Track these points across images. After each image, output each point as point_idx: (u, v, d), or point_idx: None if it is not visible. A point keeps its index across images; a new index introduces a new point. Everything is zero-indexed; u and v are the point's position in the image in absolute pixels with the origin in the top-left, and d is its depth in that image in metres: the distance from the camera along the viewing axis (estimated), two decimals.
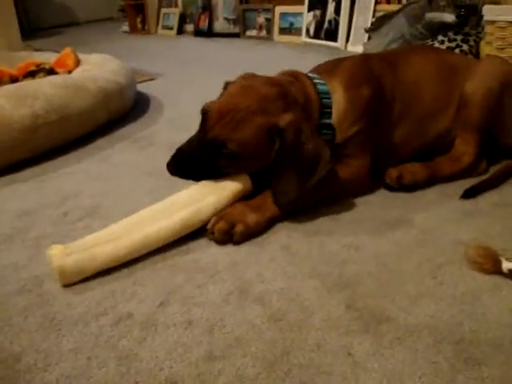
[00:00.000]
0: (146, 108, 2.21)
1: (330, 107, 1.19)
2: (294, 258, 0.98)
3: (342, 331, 0.78)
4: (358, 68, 1.24)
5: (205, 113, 1.10)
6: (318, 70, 1.31)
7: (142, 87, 2.51)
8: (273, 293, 0.88)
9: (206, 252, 1.02)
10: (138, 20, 5.20)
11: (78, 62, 2.08)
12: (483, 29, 2.42)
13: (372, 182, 1.24)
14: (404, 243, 1.02)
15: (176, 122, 1.97)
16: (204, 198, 1.06)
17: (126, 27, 5.32)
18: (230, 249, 1.02)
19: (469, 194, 1.18)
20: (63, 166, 1.54)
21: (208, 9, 4.40)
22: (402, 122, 1.28)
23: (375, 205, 1.18)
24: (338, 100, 1.19)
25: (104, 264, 0.94)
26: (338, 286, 0.89)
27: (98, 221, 1.18)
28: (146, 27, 5.14)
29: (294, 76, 1.21)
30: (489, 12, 2.09)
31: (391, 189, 1.24)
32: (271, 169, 1.08)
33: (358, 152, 1.21)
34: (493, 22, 2.08)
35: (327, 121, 1.19)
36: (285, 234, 1.07)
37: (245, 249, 1.02)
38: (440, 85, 1.32)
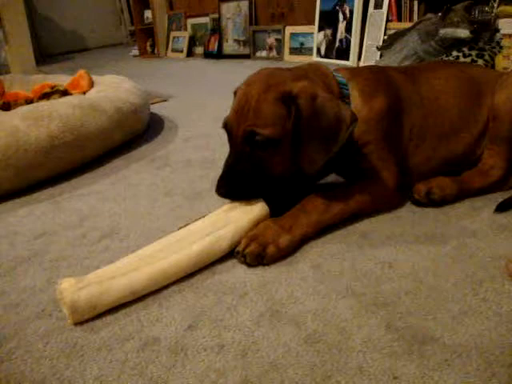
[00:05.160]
0: (160, 129, 2.20)
1: (349, 97, 1.16)
2: (326, 277, 0.94)
3: (385, 353, 0.73)
4: (375, 76, 1.22)
5: (225, 125, 1.10)
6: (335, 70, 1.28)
7: (155, 109, 2.50)
8: (307, 313, 0.83)
9: (233, 273, 0.97)
10: (148, 44, 5.26)
11: (91, 84, 2.07)
12: (497, 44, 2.40)
13: (401, 196, 1.20)
14: (439, 259, 0.97)
15: (191, 141, 1.95)
16: (222, 227, 1.01)
17: (135, 51, 5.37)
18: (258, 269, 0.98)
19: (502, 208, 1.13)
20: (80, 187, 1.52)
21: (218, 31, 4.43)
22: (424, 137, 1.23)
23: (404, 220, 1.14)
24: (355, 100, 1.17)
25: (119, 298, 0.87)
26: (374, 306, 0.84)
27: (117, 242, 1.14)
28: (156, 50, 5.18)
29: (314, 66, 1.20)
30: (506, 25, 2.06)
31: (419, 204, 1.19)
32: (294, 142, 1.04)
33: (380, 165, 1.17)
34: (510, 36, 2.05)
35: None
36: (314, 253, 1.02)
37: (274, 268, 0.98)
38: (464, 99, 1.27)
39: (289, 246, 1.02)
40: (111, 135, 1.75)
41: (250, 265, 0.99)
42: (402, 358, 0.72)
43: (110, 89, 1.96)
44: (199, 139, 1.95)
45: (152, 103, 2.52)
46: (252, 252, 0.98)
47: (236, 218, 1.03)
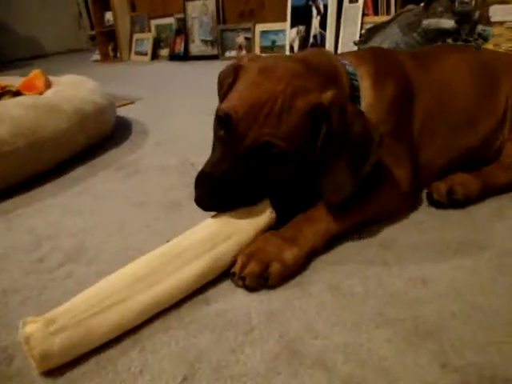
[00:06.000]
0: (128, 132, 1.98)
1: (359, 90, 1.00)
2: (349, 301, 0.75)
3: None
4: (387, 60, 1.08)
5: (227, 117, 0.85)
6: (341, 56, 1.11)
7: (121, 112, 2.29)
8: (335, 352, 0.64)
9: (232, 300, 0.77)
10: (110, 48, 5.01)
11: (48, 85, 1.84)
12: (479, 35, 2.31)
13: (417, 197, 1.04)
14: (482, 271, 0.80)
15: (162, 145, 1.74)
16: (224, 240, 0.82)
17: (96, 56, 5.12)
18: (262, 293, 0.78)
19: None
20: (37, 201, 1.29)
21: (183, 31, 4.23)
22: (437, 127, 1.09)
23: (427, 226, 0.97)
24: (365, 90, 1.00)
25: (104, 338, 0.68)
26: (417, 336, 0.66)
27: (83, 266, 0.93)
28: (119, 54, 4.94)
29: (320, 52, 1.03)
30: (497, 12, 1.94)
31: (439, 205, 1.03)
32: (315, 165, 0.87)
33: (394, 161, 1.00)
34: (502, 23, 1.93)
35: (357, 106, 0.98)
36: (328, 270, 0.84)
37: (281, 292, 0.79)
38: (479, 85, 1.14)
39: (296, 261, 0.83)
40: (73, 138, 1.53)
41: (250, 288, 0.79)
42: None
43: (70, 89, 1.73)
44: (171, 142, 1.75)
45: (118, 106, 2.31)
46: (252, 272, 0.79)
47: (239, 228, 0.84)
